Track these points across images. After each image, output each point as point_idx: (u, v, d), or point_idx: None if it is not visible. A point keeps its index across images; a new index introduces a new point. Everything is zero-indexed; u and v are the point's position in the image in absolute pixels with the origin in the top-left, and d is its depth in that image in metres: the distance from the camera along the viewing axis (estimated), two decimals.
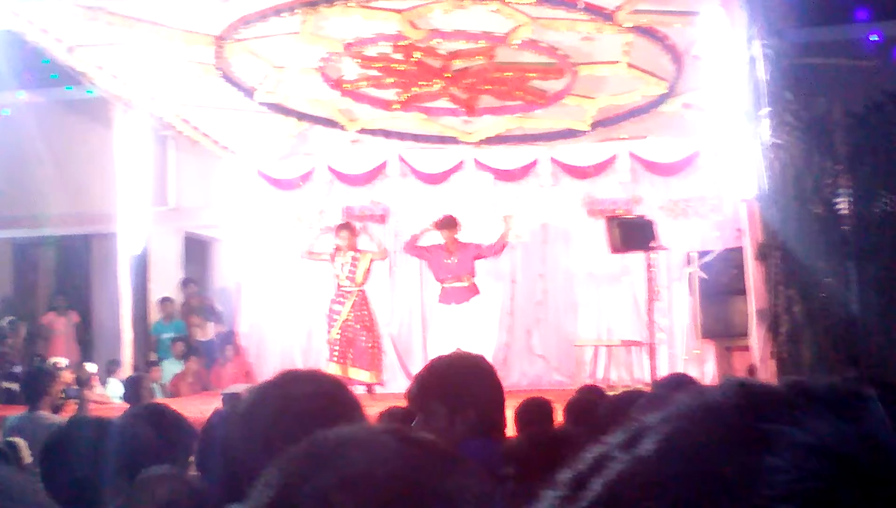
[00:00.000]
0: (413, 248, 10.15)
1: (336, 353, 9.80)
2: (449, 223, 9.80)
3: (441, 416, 2.55)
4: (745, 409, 0.51)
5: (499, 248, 10.01)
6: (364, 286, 9.96)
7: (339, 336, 9.81)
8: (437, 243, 9.90)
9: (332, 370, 9.63)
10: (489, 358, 11.41)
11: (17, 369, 10.42)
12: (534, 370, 11.18)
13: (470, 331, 9.74)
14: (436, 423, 2.51)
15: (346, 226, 10.10)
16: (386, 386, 9.93)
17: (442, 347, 9.24)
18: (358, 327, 9.82)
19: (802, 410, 0.50)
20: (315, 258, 10.20)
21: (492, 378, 2.74)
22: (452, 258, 9.74)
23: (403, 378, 10.18)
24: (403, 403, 3.27)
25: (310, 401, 1.67)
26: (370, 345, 9.88)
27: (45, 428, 4.76)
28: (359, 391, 9.50)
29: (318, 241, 10.29)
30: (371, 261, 9.97)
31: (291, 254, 11.08)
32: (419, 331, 11.31)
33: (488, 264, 10.69)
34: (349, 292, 9.85)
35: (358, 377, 9.68)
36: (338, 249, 9.93)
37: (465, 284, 9.74)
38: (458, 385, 2.63)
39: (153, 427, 2.88)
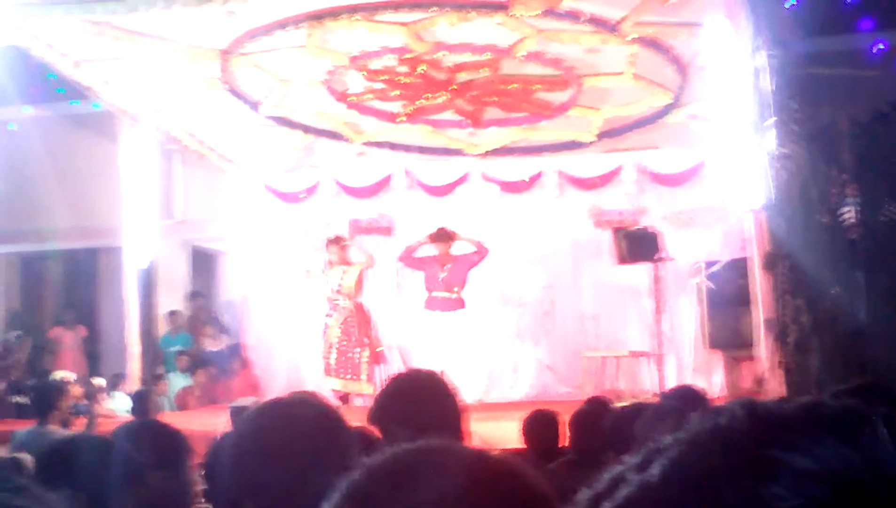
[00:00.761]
0: (408, 259, 10.19)
1: (332, 368, 9.79)
2: (442, 236, 9.87)
3: (403, 439, 2.48)
4: (751, 435, 0.51)
5: (481, 248, 9.98)
6: (358, 299, 9.94)
7: (330, 350, 9.80)
8: (432, 255, 9.97)
9: (329, 384, 9.62)
10: (495, 370, 11.30)
11: (30, 382, 10.43)
12: (541, 381, 11.14)
13: (476, 342, 9.73)
14: None
15: (334, 241, 10.09)
16: None
17: (448, 358, 9.25)
18: (346, 341, 9.77)
19: (808, 435, 0.50)
20: (311, 277, 10.27)
21: (450, 396, 2.64)
22: (444, 271, 9.78)
23: None
24: None
25: (314, 422, 1.70)
26: (359, 358, 9.80)
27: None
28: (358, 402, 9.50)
29: (312, 260, 10.31)
30: (360, 272, 9.96)
31: (297, 267, 11.08)
32: (426, 343, 11.28)
33: (496, 276, 10.69)
34: (338, 305, 9.82)
35: (358, 389, 9.64)
36: (329, 263, 9.95)
37: (453, 295, 9.81)
38: (419, 406, 2.54)
39: (149, 442, 2.87)
